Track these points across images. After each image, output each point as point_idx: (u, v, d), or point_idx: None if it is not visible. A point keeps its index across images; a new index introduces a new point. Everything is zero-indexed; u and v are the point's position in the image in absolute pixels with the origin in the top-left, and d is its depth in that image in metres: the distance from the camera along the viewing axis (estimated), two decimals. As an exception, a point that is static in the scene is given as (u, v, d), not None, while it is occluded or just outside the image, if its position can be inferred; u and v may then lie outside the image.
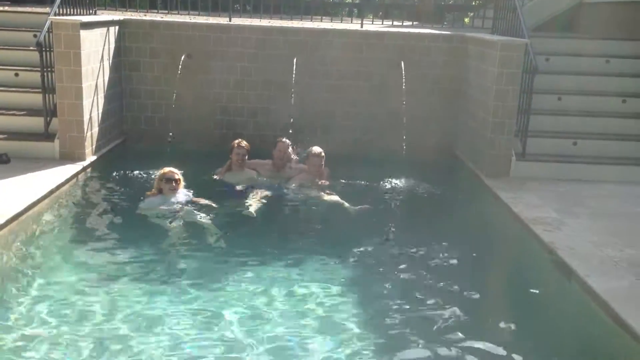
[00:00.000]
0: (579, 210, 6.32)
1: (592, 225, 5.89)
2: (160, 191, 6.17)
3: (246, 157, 6.97)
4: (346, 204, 6.46)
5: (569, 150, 7.66)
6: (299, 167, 7.25)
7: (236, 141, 7.02)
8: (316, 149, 7.05)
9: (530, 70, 7.28)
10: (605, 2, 9.37)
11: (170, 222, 5.87)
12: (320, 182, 6.96)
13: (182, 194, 6.26)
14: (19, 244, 5.23)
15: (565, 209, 6.33)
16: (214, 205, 6.24)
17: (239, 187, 6.74)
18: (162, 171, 6.21)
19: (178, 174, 6.20)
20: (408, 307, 4.60)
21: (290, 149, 7.29)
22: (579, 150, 7.66)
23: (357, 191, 7.03)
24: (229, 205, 6.33)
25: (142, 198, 6.23)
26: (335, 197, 6.65)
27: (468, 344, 4.12)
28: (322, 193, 6.78)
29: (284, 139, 7.23)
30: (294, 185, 6.92)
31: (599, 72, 8.57)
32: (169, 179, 6.12)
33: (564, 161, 7.49)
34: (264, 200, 6.41)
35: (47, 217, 5.86)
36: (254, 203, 6.29)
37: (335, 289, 4.83)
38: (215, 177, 7.01)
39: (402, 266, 5.29)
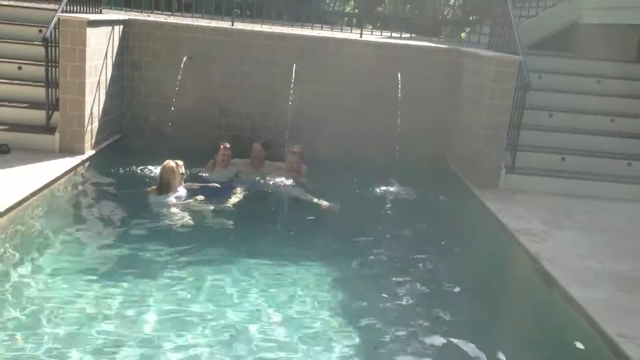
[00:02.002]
0: (565, 223, 6.50)
1: (577, 238, 6.07)
2: (161, 185, 6.47)
3: (230, 157, 7.58)
4: (315, 200, 6.93)
5: (558, 165, 7.86)
6: (276, 165, 7.85)
7: (222, 144, 7.66)
8: (293, 148, 7.71)
9: (523, 87, 7.48)
10: (599, 24, 9.60)
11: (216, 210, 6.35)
12: (289, 180, 7.45)
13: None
14: (17, 233, 5.34)
15: (552, 221, 6.51)
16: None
17: (221, 184, 7.17)
18: (166, 165, 6.47)
19: (182, 166, 6.58)
20: (390, 312, 4.75)
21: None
22: (567, 166, 7.86)
23: (343, 194, 7.26)
24: (212, 201, 6.63)
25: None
26: (307, 194, 7.13)
27: (450, 347, 4.27)
28: (295, 188, 7.32)
29: (257, 141, 7.87)
30: (270, 180, 7.47)
31: (590, 92, 8.80)
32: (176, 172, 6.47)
33: (553, 175, 7.69)
34: (241, 196, 6.87)
35: (46, 207, 5.99)
36: (233, 198, 6.77)
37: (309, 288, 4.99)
38: (200, 174, 7.46)
39: (386, 271, 5.45)
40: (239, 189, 7.02)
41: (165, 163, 6.51)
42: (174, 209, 6.27)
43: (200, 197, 6.49)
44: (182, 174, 6.53)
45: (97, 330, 4.09)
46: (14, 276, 4.69)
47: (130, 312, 4.36)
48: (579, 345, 4.36)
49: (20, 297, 4.41)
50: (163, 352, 3.92)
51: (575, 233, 6.24)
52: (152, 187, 6.60)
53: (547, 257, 5.46)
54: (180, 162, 6.53)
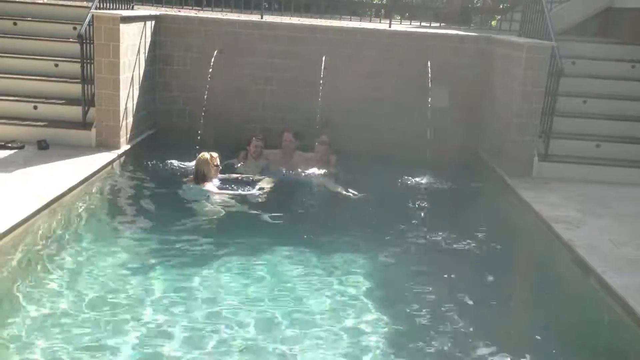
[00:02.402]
0: (600, 211, 6.42)
1: (612, 225, 6.00)
2: (197, 176, 6.60)
3: (262, 149, 7.69)
4: (344, 190, 6.97)
5: (592, 152, 7.75)
6: (306, 155, 7.86)
7: (253, 136, 7.79)
8: (321, 138, 7.76)
9: (556, 73, 7.39)
10: (633, 8, 9.40)
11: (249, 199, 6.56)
12: (321, 170, 7.56)
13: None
14: (60, 224, 5.53)
15: (587, 209, 6.44)
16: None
17: (253, 175, 7.33)
18: (201, 156, 6.65)
19: (217, 158, 6.74)
20: (428, 299, 4.78)
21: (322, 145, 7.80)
22: (602, 153, 7.74)
23: (375, 184, 7.31)
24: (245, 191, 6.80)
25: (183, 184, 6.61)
26: (336, 184, 7.21)
27: (484, 334, 4.28)
28: (325, 179, 7.40)
29: (289, 131, 7.90)
30: (300, 171, 7.57)
31: (625, 77, 8.64)
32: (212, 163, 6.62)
33: (587, 163, 7.58)
34: (269, 186, 6.99)
35: (86, 200, 6.18)
36: (265, 186, 6.94)
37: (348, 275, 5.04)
38: (236, 166, 7.62)
39: (423, 259, 5.47)
40: (266, 180, 7.14)
41: (200, 155, 6.69)
42: (212, 198, 6.44)
43: (235, 188, 6.62)
44: (217, 165, 6.68)
45: (139, 318, 4.21)
46: (60, 261, 4.87)
47: (171, 300, 4.47)
48: (616, 332, 4.33)
49: (65, 276, 4.59)
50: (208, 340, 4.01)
51: (611, 220, 6.16)
52: (189, 177, 6.75)
53: (582, 244, 5.41)
54: (215, 155, 6.71)
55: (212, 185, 6.61)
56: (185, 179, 6.81)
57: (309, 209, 6.87)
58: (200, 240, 5.54)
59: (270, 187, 6.96)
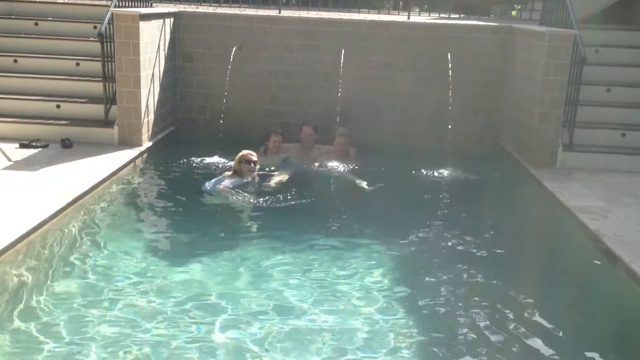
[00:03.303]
0: (627, 200, 6.32)
1: (639, 214, 5.90)
2: (235, 172, 6.62)
3: (281, 143, 7.69)
4: (364, 183, 6.94)
5: (618, 141, 7.63)
6: (325, 148, 7.86)
7: (273, 131, 7.79)
8: (341, 130, 7.78)
9: (579, 62, 7.28)
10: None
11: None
12: (340, 162, 7.56)
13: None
14: (86, 221, 5.60)
15: (613, 198, 6.35)
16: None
17: (273, 168, 7.34)
18: (241, 153, 6.66)
19: (255, 156, 6.72)
20: (454, 289, 4.74)
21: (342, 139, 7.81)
22: (627, 142, 7.62)
23: (398, 177, 7.29)
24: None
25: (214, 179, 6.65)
26: (356, 177, 7.18)
27: (514, 325, 4.24)
28: (345, 171, 7.40)
29: (308, 124, 7.91)
30: (320, 164, 7.57)
31: (650, 64, 8.49)
32: (248, 161, 6.60)
33: (612, 152, 7.47)
34: (284, 178, 7.02)
35: (110, 197, 6.24)
36: (281, 179, 7.00)
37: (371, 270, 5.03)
38: None
39: (448, 252, 5.43)
40: (283, 173, 7.15)
41: (240, 153, 6.69)
42: (229, 193, 6.42)
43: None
44: (254, 162, 6.66)
45: (165, 313, 4.24)
46: (87, 256, 4.93)
47: (203, 297, 4.48)
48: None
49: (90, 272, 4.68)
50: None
51: (637, 210, 6.06)
52: (228, 172, 6.77)
53: (608, 234, 5.34)
54: (252, 152, 6.74)
55: (228, 182, 6.54)
56: (225, 173, 6.79)
57: (329, 202, 6.81)
58: (224, 235, 5.56)
59: (285, 180, 6.94)
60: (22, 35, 8.75)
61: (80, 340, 3.86)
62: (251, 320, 4.15)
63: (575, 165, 7.38)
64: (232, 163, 6.85)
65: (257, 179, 6.76)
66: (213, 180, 6.62)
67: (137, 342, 3.85)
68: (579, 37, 7.29)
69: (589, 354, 3.97)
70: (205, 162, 7.57)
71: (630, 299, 4.58)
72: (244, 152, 6.70)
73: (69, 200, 5.53)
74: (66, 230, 5.31)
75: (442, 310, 4.45)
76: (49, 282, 4.54)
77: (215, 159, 7.61)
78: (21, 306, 4.16)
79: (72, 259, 4.90)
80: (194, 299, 4.40)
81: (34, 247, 4.87)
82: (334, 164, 7.55)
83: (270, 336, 3.98)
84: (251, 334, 4.00)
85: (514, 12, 12.93)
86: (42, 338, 3.85)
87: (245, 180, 6.60)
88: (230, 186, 6.45)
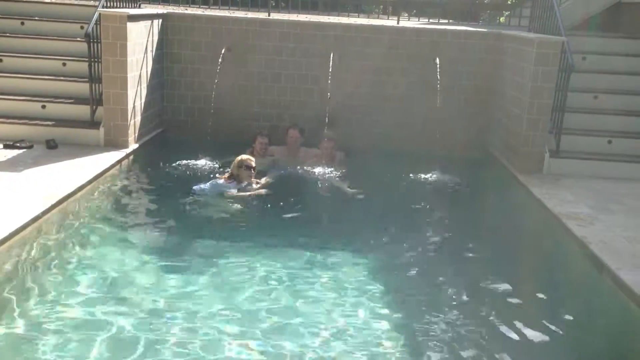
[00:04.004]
0: (613, 207, 6.34)
1: (625, 221, 5.93)
2: (232, 176, 6.57)
3: (268, 146, 7.67)
4: (347, 187, 6.91)
5: (604, 148, 7.67)
6: (312, 151, 7.85)
7: (259, 133, 7.75)
8: (327, 134, 7.78)
9: (567, 69, 7.31)
10: (644, 2, 9.32)
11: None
12: (326, 166, 7.52)
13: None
14: (69, 223, 5.51)
15: (599, 205, 6.37)
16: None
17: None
18: (240, 158, 6.61)
19: (254, 161, 6.66)
20: (437, 296, 4.73)
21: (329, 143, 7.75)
22: (614, 149, 7.66)
23: (384, 181, 7.29)
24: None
25: (211, 181, 6.62)
26: (339, 181, 7.18)
27: (499, 332, 4.23)
28: (329, 175, 7.36)
29: (294, 127, 7.90)
30: (306, 167, 7.56)
31: (636, 72, 8.55)
32: (248, 166, 6.54)
33: (599, 159, 7.51)
34: (270, 180, 7.00)
35: (95, 199, 6.15)
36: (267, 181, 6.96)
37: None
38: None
39: (432, 257, 5.42)
40: (267, 177, 7.09)
41: (238, 157, 6.63)
42: (233, 197, 6.42)
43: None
44: (254, 167, 6.60)
45: (149, 315, 4.19)
46: (68, 260, 4.86)
47: (183, 297, 4.44)
48: (632, 329, 4.27)
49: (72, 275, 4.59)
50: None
51: (624, 216, 6.09)
52: (224, 175, 6.72)
53: (595, 241, 5.34)
54: (252, 158, 6.69)
55: (238, 188, 6.53)
56: (220, 176, 6.75)
57: (313, 206, 6.77)
58: (208, 239, 5.51)
59: (270, 184, 6.90)
60: (8, 34, 8.64)
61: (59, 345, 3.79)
62: (235, 322, 4.12)
63: (561, 171, 7.40)
64: (217, 165, 6.79)
65: (254, 184, 6.69)
66: (208, 183, 6.57)
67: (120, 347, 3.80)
68: (568, 44, 7.32)
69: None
70: (192, 164, 7.51)
71: (616, 306, 4.58)
72: (243, 157, 6.65)
73: (52, 202, 5.44)
74: (48, 233, 5.22)
75: (428, 313, 4.43)
76: (29, 284, 4.45)
77: (202, 161, 7.57)
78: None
79: (53, 264, 4.81)
80: (179, 302, 4.35)
81: (15, 251, 4.76)
82: (319, 168, 7.51)
83: (254, 337, 3.95)
84: (232, 335, 3.97)
85: (502, 19, 13.02)
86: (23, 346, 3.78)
87: (243, 185, 6.56)
88: (236, 191, 6.42)
